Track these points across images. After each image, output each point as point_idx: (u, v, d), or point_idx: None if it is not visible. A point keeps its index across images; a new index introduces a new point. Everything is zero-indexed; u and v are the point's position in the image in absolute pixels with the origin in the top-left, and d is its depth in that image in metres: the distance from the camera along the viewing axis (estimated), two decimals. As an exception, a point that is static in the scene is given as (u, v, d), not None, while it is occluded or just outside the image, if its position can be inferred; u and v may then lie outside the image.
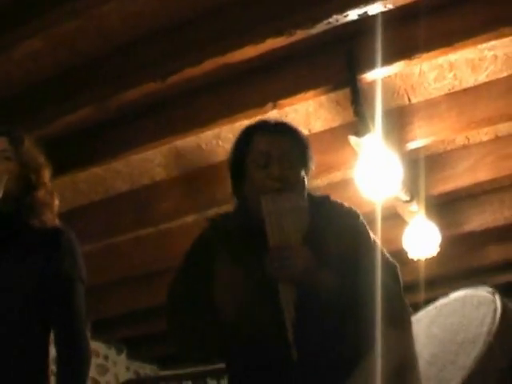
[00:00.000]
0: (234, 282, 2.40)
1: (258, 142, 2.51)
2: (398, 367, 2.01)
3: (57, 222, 2.81)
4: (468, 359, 1.70)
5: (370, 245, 2.48)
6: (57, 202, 2.82)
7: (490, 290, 1.94)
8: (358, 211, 2.55)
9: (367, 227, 2.51)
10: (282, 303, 2.28)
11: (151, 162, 5.16)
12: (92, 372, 8.09)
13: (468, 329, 1.86)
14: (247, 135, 2.57)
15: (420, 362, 1.95)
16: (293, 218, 2.36)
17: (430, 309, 2.23)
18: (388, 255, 2.48)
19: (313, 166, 2.56)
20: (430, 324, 2.13)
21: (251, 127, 2.61)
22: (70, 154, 4.77)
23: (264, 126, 2.58)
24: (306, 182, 2.52)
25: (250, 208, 2.45)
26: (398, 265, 2.46)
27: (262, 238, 2.36)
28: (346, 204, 2.57)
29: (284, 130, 2.56)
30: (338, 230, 2.43)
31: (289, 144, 2.51)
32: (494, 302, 1.86)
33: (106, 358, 8.44)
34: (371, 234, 2.51)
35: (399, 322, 2.23)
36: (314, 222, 2.41)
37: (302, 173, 2.50)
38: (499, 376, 1.67)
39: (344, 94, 4.33)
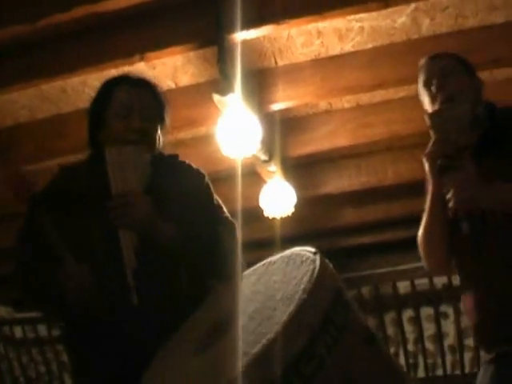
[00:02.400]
0: (80, 229, 2.46)
1: (119, 94, 2.59)
2: (223, 318, 2.13)
3: None
4: (283, 315, 1.81)
5: (211, 202, 2.60)
6: None
7: (313, 250, 2.05)
8: (204, 172, 2.67)
9: (211, 187, 2.64)
10: (123, 249, 2.37)
11: (16, 103, 5.09)
12: None
13: (287, 286, 1.96)
14: (109, 87, 2.65)
15: (244, 317, 2.06)
16: (134, 170, 2.44)
17: (259, 266, 2.34)
18: (228, 214, 2.61)
19: (168, 124, 2.67)
20: (256, 281, 2.23)
21: (113, 79, 2.69)
22: None
23: (126, 80, 2.66)
24: (160, 138, 2.62)
25: (105, 158, 2.49)
26: (236, 223, 2.58)
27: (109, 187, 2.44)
28: (194, 165, 2.68)
29: (145, 85, 2.65)
30: (181, 187, 2.54)
31: (149, 98, 2.61)
32: (314, 262, 1.98)
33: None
34: (214, 194, 2.63)
35: (230, 277, 2.35)
36: (159, 177, 2.51)
37: (158, 127, 2.60)
38: (310, 332, 1.80)
39: (212, 51, 4.32)
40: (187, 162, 2.69)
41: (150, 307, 2.35)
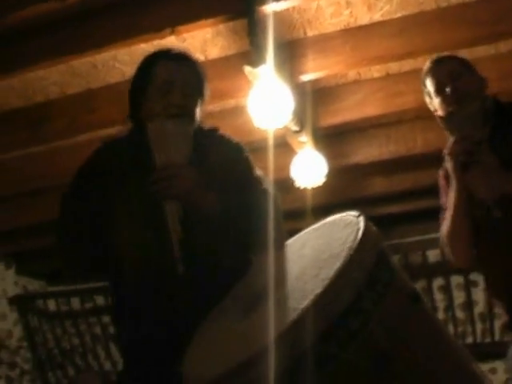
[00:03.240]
0: (124, 202, 2.53)
1: (160, 69, 2.64)
2: (265, 286, 2.17)
3: None
4: (330, 272, 1.85)
5: (251, 175, 2.64)
6: None
7: (356, 213, 2.11)
8: (244, 145, 2.71)
9: (251, 160, 2.68)
10: (168, 220, 2.42)
11: (46, 79, 5.12)
12: (-20, 288, 8.11)
13: (333, 247, 2.00)
14: (150, 62, 2.70)
15: (290, 279, 2.11)
16: (178, 142, 2.48)
17: (302, 233, 2.39)
18: (269, 184, 2.65)
19: (207, 97, 2.72)
20: (301, 246, 2.27)
21: (154, 55, 2.73)
22: (-36, 67, 4.71)
23: (167, 55, 2.71)
24: (199, 112, 2.67)
25: (146, 132, 2.54)
26: (278, 194, 2.63)
27: (152, 161, 2.48)
28: (234, 138, 2.73)
29: (186, 60, 2.70)
30: (223, 159, 2.59)
31: (189, 73, 2.66)
32: (358, 223, 2.03)
33: (-6, 273, 8.43)
34: (254, 166, 2.67)
35: (274, 245, 2.39)
36: (201, 149, 2.55)
37: (198, 102, 2.65)
38: (357, 288, 1.84)
39: (242, 23, 4.36)
40: (227, 135, 2.74)
41: (195, 277, 2.42)
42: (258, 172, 2.67)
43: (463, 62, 2.91)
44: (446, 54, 3.10)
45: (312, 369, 1.79)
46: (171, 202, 2.43)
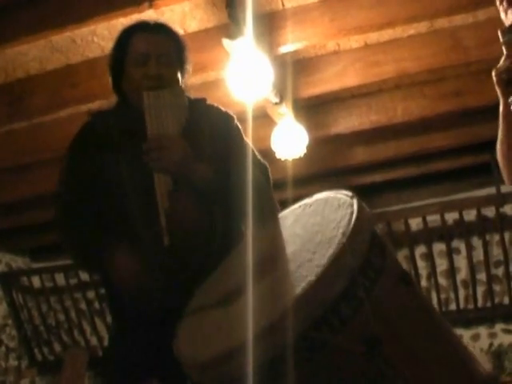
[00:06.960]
0: (114, 172, 2.56)
1: (136, 41, 2.66)
2: (265, 257, 2.18)
3: None
4: (323, 258, 1.85)
5: (242, 144, 2.67)
6: None
7: (350, 193, 2.10)
8: (234, 115, 2.73)
9: (241, 130, 2.71)
10: (157, 191, 2.45)
11: (26, 55, 5.09)
12: (-37, 265, 8.08)
13: (326, 230, 1.99)
14: (127, 35, 2.71)
15: (283, 259, 2.11)
16: (172, 113, 2.53)
17: (295, 207, 2.37)
18: (259, 156, 2.67)
19: (189, 68, 2.72)
20: (294, 223, 2.26)
21: (131, 27, 2.74)
22: None
23: (143, 27, 2.71)
24: (182, 82, 2.67)
25: (130, 104, 2.62)
26: (268, 166, 2.66)
27: (142, 131, 2.51)
28: (223, 108, 2.74)
29: (162, 31, 2.71)
30: (213, 129, 2.62)
31: (167, 44, 2.67)
32: (352, 205, 2.02)
33: (-24, 250, 8.41)
34: (244, 136, 2.69)
35: (267, 217, 2.41)
36: (191, 120, 2.57)
37: (178, 72, 2.65)
38: (350, 275, 1.84)
39: (220, -5, 4.37)
40: (215, 104, 2.76)
41: (181, 249, 2.45)
42: (247, 141, 2.70)
43: None
44: None
45: (303, 355, 1.82)
46: (160, 174, 2.48)
